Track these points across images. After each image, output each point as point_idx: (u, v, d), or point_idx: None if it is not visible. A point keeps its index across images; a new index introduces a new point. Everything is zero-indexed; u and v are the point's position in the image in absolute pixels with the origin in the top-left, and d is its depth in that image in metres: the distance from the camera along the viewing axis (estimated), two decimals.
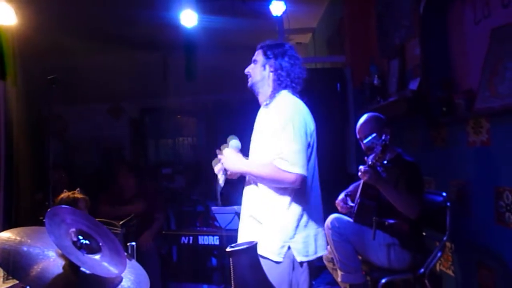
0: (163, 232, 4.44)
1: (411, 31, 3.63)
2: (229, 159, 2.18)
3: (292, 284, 2.10)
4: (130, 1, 4.88)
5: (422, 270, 2.79)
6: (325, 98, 4.99)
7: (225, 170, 2.20)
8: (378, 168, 2.77)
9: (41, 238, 1.40)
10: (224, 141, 2.28)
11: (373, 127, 2.93)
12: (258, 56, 2.27)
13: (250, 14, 4.89)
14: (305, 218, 2.13)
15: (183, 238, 4.16)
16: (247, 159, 2.24)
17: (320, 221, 2.24)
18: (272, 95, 2.20)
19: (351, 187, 3.22)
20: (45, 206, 2.55)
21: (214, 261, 4.52)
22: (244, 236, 2.19)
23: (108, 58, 6.45)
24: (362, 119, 3.05)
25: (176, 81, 6.83)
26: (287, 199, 2.10)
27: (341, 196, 3.16)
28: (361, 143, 3.01)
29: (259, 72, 2.24)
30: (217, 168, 2.23)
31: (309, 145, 2.13)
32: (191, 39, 5.27)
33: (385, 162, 2.79)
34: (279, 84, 2.19)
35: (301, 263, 2.12)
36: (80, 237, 1.41)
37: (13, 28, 4.32)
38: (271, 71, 2.21)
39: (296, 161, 2.02)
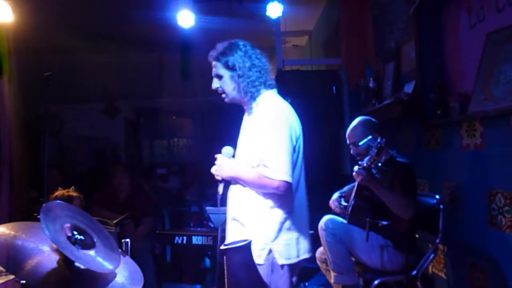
0: (157, 232, 4.44)
1: (407, 34, 3.65)
2: (221, 167, 2.14)
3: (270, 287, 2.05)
4: (127, 0, 4.89)
5: (414, 272, 2.80)
6: (321, 100, 5.03)
7: (222, 179, 2.17)
8: (373, 170, 2.79)
9: (35, 233, 1.40)
10: (219, 143, 2.28)
11: (366, 130, 2.94)
12: (220, 70, 2.14)
13: (247, 16, 4.91)
14: (288, 221, 2.09)
15: (177, 238, 4.15)
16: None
17: (304, 224, 2.19)
18: (252, 101, 2.13)
19: (345, 188, 3.23)
20: (40, 203, 2.55)
21: (207, 261, 4.52)
22: (229, 238, 2.15)
23: (104, 57, 6.45)
24: (353, 123, 3.05)
25: (172, 82, 6.84)
26: (270, 202, 2.07)
27: (335, 196, 3.17)
28: (352, 148, 3.02)
29: (231, 88, 2.13)
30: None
31: (294, 149, 2.08)
32: (187, 39, 5.28)
33: (380, 164, 2.82)
34: (255, 90, 2.11)
35: (282, 266, 2.07)
36: (75, 233, 1.42)
37: (9, 25, 4.32)
38: (241, 81, 2.10)
39: (279, 168, 1.98)
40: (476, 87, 2.68)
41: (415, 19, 3.30)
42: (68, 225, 1.43)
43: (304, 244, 2.15)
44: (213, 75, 2.18)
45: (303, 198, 2.19)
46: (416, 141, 3.59)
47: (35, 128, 6.70)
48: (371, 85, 4.23)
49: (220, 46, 2.16)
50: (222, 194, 2.17)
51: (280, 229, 2.07)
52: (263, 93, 2.13)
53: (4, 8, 4.03)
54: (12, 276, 2.27)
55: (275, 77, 5.17)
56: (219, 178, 2.17)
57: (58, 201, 1.65)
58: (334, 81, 5.12)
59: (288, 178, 1.99)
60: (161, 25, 4.97)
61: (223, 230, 2.22)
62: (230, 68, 2.11)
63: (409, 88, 3.43)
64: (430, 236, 2.94)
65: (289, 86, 4.92)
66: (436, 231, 2.86)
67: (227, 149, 2.18)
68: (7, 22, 4.17)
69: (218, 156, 2.17)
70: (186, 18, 4.66)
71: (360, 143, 2.85)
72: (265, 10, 4.71)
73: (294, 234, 2.11)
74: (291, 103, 2.28)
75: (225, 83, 2.14)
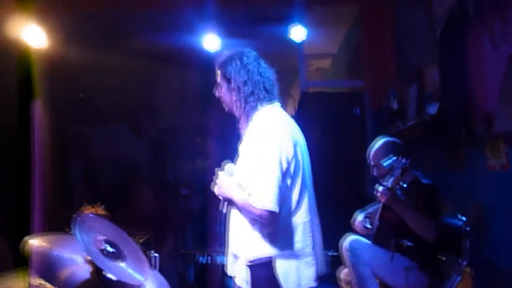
0: (181, 251, 4.48)
1: (429, 56, 3.66)
2: (219, 185, 2.05)
3: None
4: (153, 22, 5.04)
5: None
6: (344, 122, 5.03)
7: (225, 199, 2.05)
8: (397, 191, 2.79)
9: (69, 245, 1.47)
10: None
11: (389, 151, 2.93)
12: (220, 79, 2.09)
13: (271, 38, 4.99)
14: (285, 247, 1.95)
15: (200, 257, 4.18)
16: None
17: (309, 251, 2.01)
18: (248, 118, 2.04)
19: (370, 209, 3.22)
20: (70, 219, 2.63)
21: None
22: (229, 260, 2.10)
23: (128, 78, 6.61)
24: (376, 145, 3.06)
25: (194, 102, 6.95)
26: (262, 228, 1.95)
27: (360, 218, 3.16)
28: (374, 169, 3.02)
29: (229, 99, 2.07)
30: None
31: (286, 173, 1.93)
32: (210, 60, 5.38)
33: (404, 185, 2.81)
34: (248, 106, 2.02)
35: None
36: (106, 245, 1.47)
37: (42, 50, 4.50)
38: (234, 95, 2.04)
39: (261, 197, 1.86)
40: (500, 107, 2.68)
41: (437, 41, 3.32)
42: (100, 237, 1.48)
43: (308, 272, 1.99)
44: (218, 82, 2.13)
45: (308, 223, 2.02)
46: (440, 162, 3.57)
47: (63, 147, 6.88)
48: (394, 107, 4.23)
49: (223, 55, 2.12)
50: (226, 213, 2.07)
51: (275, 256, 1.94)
52: (260, 109, 2.03)
53: (39, 34, 4.21)
54: None
55: (299, 99, 5.25)
56: (220, 197, 2.07)
57: (91, 214, 1.72)
58: (358, 103, 5.14)
59: (272, 207, 1.86)
60: (187, 47, 5.09)
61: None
62: (226, 80, 2.06)
63: (432, 109, 3.43)
64: (456, 258, 2.89)
65: (312, 108, 4.96)
66: (463, 253, 2.82)
67: (228, 167, 2.10)
68: (41, 47, 4.34)
69: (219, 172, 2.07)
70: (212, 42, 4.75)
71: (384, 164, 2.84)
72: (289, 33, 4.78)
73: (293, 262, 1.97)
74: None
75: (223, 93, 2.10)
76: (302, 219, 2.00)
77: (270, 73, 2.09)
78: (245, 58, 2.06)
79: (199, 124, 7.42)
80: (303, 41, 4.97)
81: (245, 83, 2.02)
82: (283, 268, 1.95)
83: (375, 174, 3.03)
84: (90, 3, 4.89)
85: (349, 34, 6.11)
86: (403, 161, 2.68)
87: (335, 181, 4.27)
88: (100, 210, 3.26)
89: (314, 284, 2.01)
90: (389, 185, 2.73)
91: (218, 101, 2.20)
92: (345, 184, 4.60)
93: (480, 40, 3.03)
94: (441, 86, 3.31)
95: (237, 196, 1.97)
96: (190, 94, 7.14)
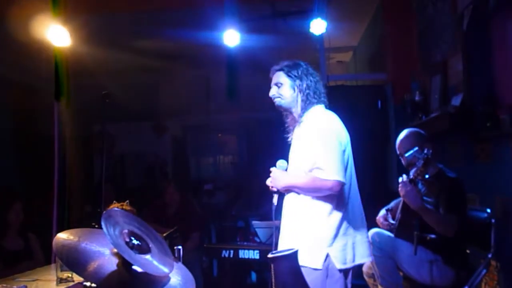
0: (204, 245, 4.54)
1: (453, 47, 3.61)
2: (275, 179, 2.31)
3: None
4: (174, 20, 5.08)
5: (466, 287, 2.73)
6: (366, 115, 5.00)
7: (277, 190, 2.32)
8: (419, 182, 2.77)
9: (96, 238, 1.51)
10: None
11: (413, 141, 2.93)
12: (281, 78, 2.35)
13: (291, 33, 4.98)
14: (344, 226, 2.20)
15: (224, 251, 4.22)
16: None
17: (361, 229, 2.29)
18: (302, 114, 2.32)
19: (392, 204, 3.20)
20: (97, 215, 2.70)
21: (253, 275, 4.56)
22: (285, 245, 2.24)
23: (152, 76, 6.69)
24: (402, 134, 3.05)
25: (217, 100, 7.00)
26: (326, 208, 2.18)
27: (382, 212, 3.15)
28: (402, 159, 3.01)
29: (289, 94, 2.33)
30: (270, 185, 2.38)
31: (343, 152, 2.21)
32: (233, 58, 5.40)
33: (427, 176, 2.78)
34: (309, 103, 2.31)
35: (339, 271, 2.16)
36: (132, 238, 1.52)
37: (66, 49, 4.57)
38: (300, 92, 2.31)
39: (331, 168, 2.11)
40: None
41: (463, 32, 3.26)
42: (126, 231, 1.53)
43: (361, 249, 2.25)
44: (272, 84, 2.37)
45: (358, 204, 2.31)
46: (465, 155, 3.51)
47: (88, 146, 7.01)
48: (417, 98, 4.19)
49: (285, 62, 2.38)
50: (277, 205, 2.31)
51: (336, 235, 2.18)
52: (314, 107, 2.31)
53: (62, 33, 4.28)
54: (71, 283, 2.41)
55: None
56: (274, 189, 2.33)
57: (116, 208, 1.77)
58: (379, 96, 5.10)
59: (341, 178, 2.11)
60: (207, 44, 5.12)
61: (277, 242, 2.32)
62: (290, 77, 2.32)
63: (456, 100, 3.38)
64: (481, 251, 2.86)
65: (333, 101, 4.92)
66: (488, 246, 2.78)
67: (281, 162, 2.34)
68: (65, 46, 4.41)
69: (272, 169, 2.33)
70: (231, 38, 4.76)
71: (406, 155, 2.84)
72: (309, 27, 4.76)
73: (350, 239, 2.21)
74: None
75: (283, 89, 2.33)
76: (356, 200, 2.30)
77: (322, 84, 2.41)
78: (307, 67, 2.38)
79: (222, 121, 7.49)
80: (322, 34, 4.93)
81: (309, 85, 2.32)
82: (343, 245, 2.18)
83: (403, 163, 3.03)
84: (111, 4, 4.96)
85: (370, 26, 6.06)
86: (425, 151, 2.66)
87: (358, 175, 4.24)
88: (126, 206, 3.34)
89: (367, 259, 2.33)
90: (411, 177, 2.71)
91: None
92: (368, 179, 4.56)
93: (506, 29, 2.97)
94: (465, 77, 3.26)
95: (301, 180, 2.22)
96: (213, 92, 7.20)
